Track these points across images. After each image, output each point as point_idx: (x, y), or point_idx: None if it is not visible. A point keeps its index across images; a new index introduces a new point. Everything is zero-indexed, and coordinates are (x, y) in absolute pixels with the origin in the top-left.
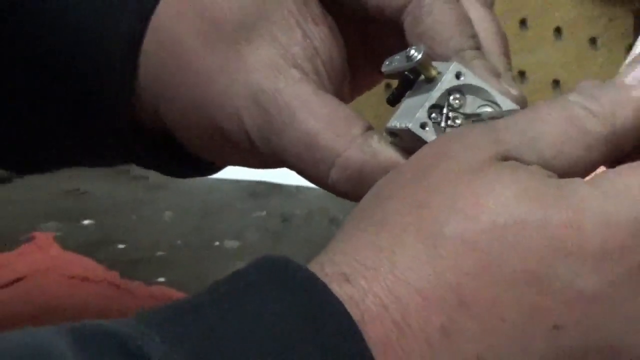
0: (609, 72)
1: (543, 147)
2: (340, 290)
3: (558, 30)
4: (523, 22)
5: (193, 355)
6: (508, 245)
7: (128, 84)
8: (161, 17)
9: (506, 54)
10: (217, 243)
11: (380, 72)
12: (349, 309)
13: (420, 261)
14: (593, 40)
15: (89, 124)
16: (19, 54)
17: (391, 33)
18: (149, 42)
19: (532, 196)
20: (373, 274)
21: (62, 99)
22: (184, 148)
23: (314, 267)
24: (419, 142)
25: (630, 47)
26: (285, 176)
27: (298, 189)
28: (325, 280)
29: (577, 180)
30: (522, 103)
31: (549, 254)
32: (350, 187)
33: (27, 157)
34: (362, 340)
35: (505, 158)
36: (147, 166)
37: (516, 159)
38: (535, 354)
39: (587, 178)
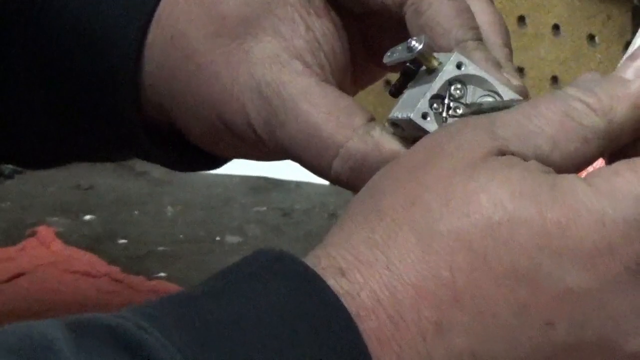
0: (607, 68)
1: (540, 142)
2: (336, 284)
3: (556, 27)
4: (521, 19)
5: (191, 348)
6: (501, 242)
7: (133, 77)
8: (166, 10)
9: (507, 45)
10: (218, 238)
11: (381, 67)
12: (344, 303)
13: (414, 257)
14: (591, 37)
15: (94, 118)
16: (22, 49)
17: (392, 27)
18: (154, 36)
19: (526, 194)
20: (368, 268)
21: (66, 93)
22: (189, 142)
23: (310, 260)
24: (421, 132)
25: (628, 44)
26: (285, 171)
27: (298, 184)
28: (322, 273)
29: (573, 177)
30: (523, 93)
31: (541, 251)
32: (352, 178)
33: (33, 153)
34: (358, 333)
35: (502, 152)
36: (152, 160)
37: (513, 154)
38: (528, 349)
39: (586, 170)
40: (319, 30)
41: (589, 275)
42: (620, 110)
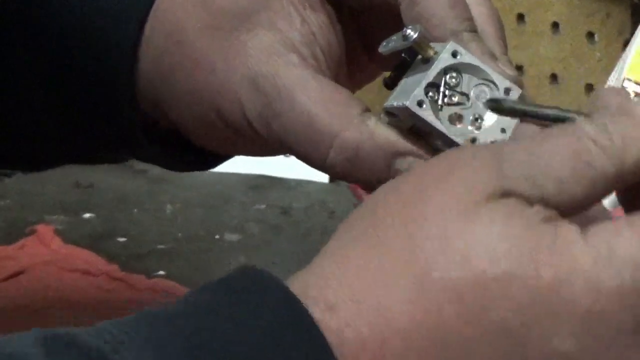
0: (606, 66)
1: (547, 183)
2: (322, 317)
3: (555, 25)
4: (521, 17)
5: None
6: (493, 297)
7: (130, 74)
8: (163, 5)
9: (502, 37)
10: (217, 236)
11: (379, 64)
12: (328, 338)
13: (405, 301)
14: (590, 35)
15: (92, 116)
16: (21, 46)
17: (388, 23)
18: (151, 31)
19: (524, 251)
20: (357, 307)
21: (65, 91)
22: (186, 142)
23: (298, 284)
24: (417, 120)
25: (627, 42)
26: (285, 170)
27: (298, 182)
28: (308, 302)
29: (574, 234)
30: (518, 83)
31: (532, 311)
32: (347, 168)
33: (32, 154)
34: None
35: (507, 194)
36: (150, 161)
37: (517, 194)
38: None
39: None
40: (315, 23)
41: (574, 339)
42: (633, 153)
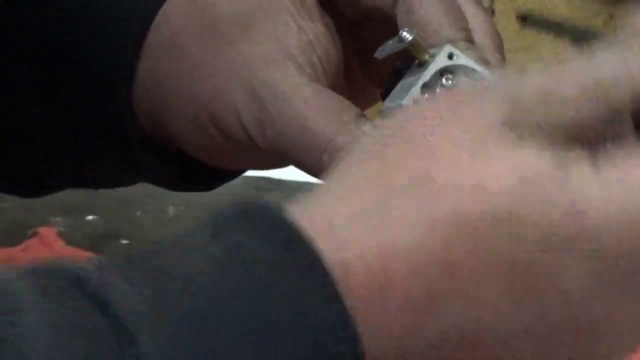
0: None
1: (562, 111)
2: (327, 251)
3: (558, 27)
4: (523, 19)
5: (153, 295)
6: (503, 232)
7: (129, 75)
8: (162, 14)
9: (499, 50)
10: None
11: (378, 85)
12: (332, 270)
13: (414, 234)
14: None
15: (91, 119)
16: (20, 42)
17: (384, 39)
18: (150, 41)
19: (536, 186)
20: (361, 233)
21: (63, 90)
22: (188, 162)
23: (306, 218)
24: None
25: None
26: (287, 172)
27: (300, 184)
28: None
29: (586, 168)
30: None
31: (542, 247)
32: None
33: (29, 180)
34: (345, 309)
35: (518, 119)
36: (154, 180)
37: (530, 120)
38: (520, 332)
39: None
40: (312, 32)
41: (592, 278)
42: None
